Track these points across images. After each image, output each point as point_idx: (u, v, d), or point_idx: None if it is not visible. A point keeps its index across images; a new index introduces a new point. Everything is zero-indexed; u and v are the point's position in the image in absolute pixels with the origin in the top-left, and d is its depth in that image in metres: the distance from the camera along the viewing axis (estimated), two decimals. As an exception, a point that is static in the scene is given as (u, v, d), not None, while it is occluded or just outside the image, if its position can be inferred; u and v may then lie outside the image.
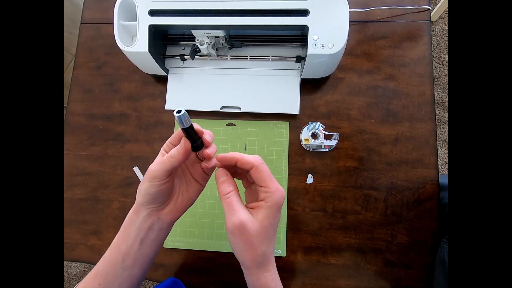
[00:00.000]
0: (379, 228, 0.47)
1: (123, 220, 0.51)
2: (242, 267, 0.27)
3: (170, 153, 0.25)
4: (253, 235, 0.24)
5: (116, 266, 0.27)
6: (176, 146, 0.26)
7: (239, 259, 0.26)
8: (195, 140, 0.25)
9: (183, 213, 0.30)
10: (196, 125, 0.25)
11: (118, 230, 0.29)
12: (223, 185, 0.25)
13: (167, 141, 0.28)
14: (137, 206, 0.28)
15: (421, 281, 0.45)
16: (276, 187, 0.24)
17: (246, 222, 0.23)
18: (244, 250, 0.24)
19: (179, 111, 0.22)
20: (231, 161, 0.25)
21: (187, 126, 0.24)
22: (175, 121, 0.24)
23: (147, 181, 0.26)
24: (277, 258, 0.47)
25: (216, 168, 0.27)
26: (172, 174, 0.26)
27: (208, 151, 0.27)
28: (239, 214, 0.24)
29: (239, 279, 0.48)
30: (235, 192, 0.25)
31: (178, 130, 0.26)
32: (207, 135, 0.26)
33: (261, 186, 0.24)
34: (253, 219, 0.24)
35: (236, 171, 0.28)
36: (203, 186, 0.30)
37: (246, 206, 0.26)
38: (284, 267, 0.47)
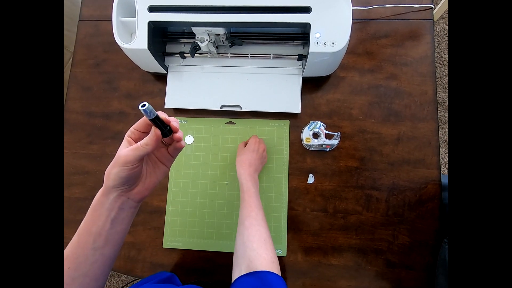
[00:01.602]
0: (381, 229, 0.46)
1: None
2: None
3: (144, 141, 0.28)
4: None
5: (86, 247, 0.28)
6: (140, 132, 0.30)
7: None
8: (164, 128, 0.28)
9: (151, 192, 0.32)
10: (163, 114, 0.28)
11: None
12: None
13: (131, 128, 0.30)
14: (106, 189, 0.29)
15: (422, 282, 0.45)
16: None
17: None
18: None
19: (143, 105, 0.25)
20: None
21: (154, 117, 0.27)
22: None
23: (118, 165, 0.27)
24: (278, 258, 0.47)
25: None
26: (142, 159, 0.29)
27: (178, 134, 0.30)
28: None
29: (239, 280, 0.47)
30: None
31: (143, 118, 0.29)
32: (174, 122, 0.29)
33: None
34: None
35: None
36: (168, 168, 0.33)
37: None
38: (285, 267, 0.47)
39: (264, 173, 0.49)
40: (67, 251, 0.29)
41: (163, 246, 0.48)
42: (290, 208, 0.48)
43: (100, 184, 0.51)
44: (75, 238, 0.29)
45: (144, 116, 0.28)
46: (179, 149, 0.32)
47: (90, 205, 0.52)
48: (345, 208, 0.47)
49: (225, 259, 0.48)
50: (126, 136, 0.29)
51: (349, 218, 0.47)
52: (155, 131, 0.28)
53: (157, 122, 0.28)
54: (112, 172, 0.28)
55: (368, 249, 0.46)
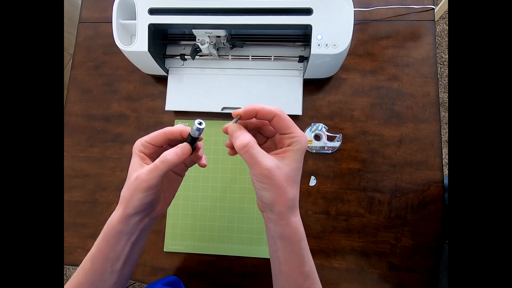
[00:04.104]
0: (383, 231, 0.46)
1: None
2: (270, 215, 0.25)
3: (164, 157, 0.24)
4: (284, 179, 0.23)
5: (103, 273, 0.26)
6: (154, 145, 0.26)
7: (269, 207, 0.25)
8: (195, 145, 0.27)
9: (169, 205, 0.31)
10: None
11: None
12: (238, 139, 0.24)
13: (142, 141, 0.26)
14: (126, 217, 0.26)
15: (425, 285, 0.45)
16: (301, 132, 0.25)
17: (274, 168, 0.23)
18: (275, 196, 0.24)
19: (200, 123, 0.24)
20: (252, 113, 0.24)
21: (198, 136, 0.25)
22: (192, 128, 0.25)
23: (141, 191, 0.24)
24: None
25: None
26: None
27: (200, 153, 0.29)
28: (266, 162, 0.23)
29: (241, 283, 0.47)
30: (253, 142, 0.24)
31: (160, 131, 0.26)
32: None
33: (285, 134, 0.25)
34: (281, 164, 0.24)
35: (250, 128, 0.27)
36: (183, 177, 0.31)
37: (270, 154, 0.25)
38: (287, 271, 0.46)
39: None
40: (79, 278, 0.26)
41: (164, 250, 0.48)
42: (292, 211, 0.48)
43: (100, 187, 0.51)
44: (86, 264, 0.26)
45: (163, 129, 0.26)
46: (190, 162, 0.30)
47: (89, 209, 0.52)
48: (347, 211, 0.47)
49: (227, 263, 0.47)
50: (136, 150, 0.26)
51: (352, 221, 0.47)
52: (188, 149, 0.25)
53: (195, 141, 0.26)
54: (134, 199, 0.25)
55: (370, 251, 0.46)
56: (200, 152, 0.28)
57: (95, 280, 0.26)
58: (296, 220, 0.25)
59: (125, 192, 0.25)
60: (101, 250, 0.26)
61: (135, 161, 0.26)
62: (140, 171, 0.24)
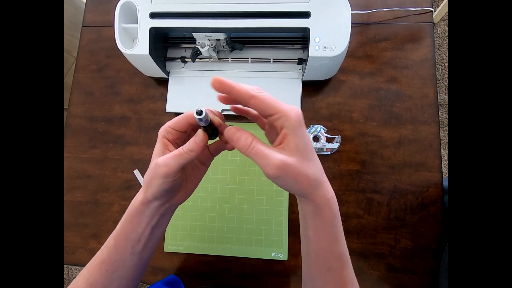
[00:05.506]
0: (382, 233, 0.46)
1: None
2: (299, 198, 0.26)
3: (188, 147, 0.24)
4: (297, 166, 0.22)
5: (124, 253, 0.27)
6: (178, 131, 0.26)
7: (296, 193, 0.25)
8: (212, 131, 0.25)
9: (191, 194, 0.30)
10: (214, 116, 0.24)
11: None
12: (240, 140, 0.23)
13: (166, 126, 0.26)
14: (146, 200, 0.26)
15: (425, 286, 0.44)
16: (286, 108, 0.22)
17: (284, 159, 0.22)
18: (298, 184, 0.23)
19: (199, 113, 0.22)
20: (226, 88, 0.23)
21: (208, 124, 0.24)
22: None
23: (160, 178, 0.24)
24: (279, 262, 0.47)
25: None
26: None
27: (228, 135, 0.26)
28: (274, 156, 0.22)
29: (240, 284, 0.47)
30: (256, 140, 0.23)
31: (183, 115, 0.25)
32: (220, 120, 0.26)
33: (271, 116, 0.23)
34: (287, 152, 0.23)
35: (248, 113, 0.28)
36: (207, 167, 0.30)
37: (274, 146, 0.24)
38: (286, 271, 0.47)
39: (264, 176, 0.49)
40: (103, 254, 0.28)
41: (164, 250, 0.48)
42: (291, 212, 0.48)
43: (101, 187, 0.52)
44: (111, 242, 0.28)
45: (185, 114, 0.25)
46: (223, 149, 0.29)
47: (91, 209, 0.52)
48: (346, 212, 0.47)
49: (226, 263, 0.48)
50: (160, 136, 0.26)
51: (350, 222, 0.47)
52: (203, 136, 0.24)
53: (207, 128, 0.24)
54: (153, 184, 0.25)
55: (369, 253, 0.46)
56: (226, 135, 0.25)
57: (117, 259, 0.27)
58: (328, 197, 0.24)
59: (146, 176, 0.25)
60: (124, 229, 0.27)
61: (158, 146, 0.26)
62: (160, 158, 0.24)
